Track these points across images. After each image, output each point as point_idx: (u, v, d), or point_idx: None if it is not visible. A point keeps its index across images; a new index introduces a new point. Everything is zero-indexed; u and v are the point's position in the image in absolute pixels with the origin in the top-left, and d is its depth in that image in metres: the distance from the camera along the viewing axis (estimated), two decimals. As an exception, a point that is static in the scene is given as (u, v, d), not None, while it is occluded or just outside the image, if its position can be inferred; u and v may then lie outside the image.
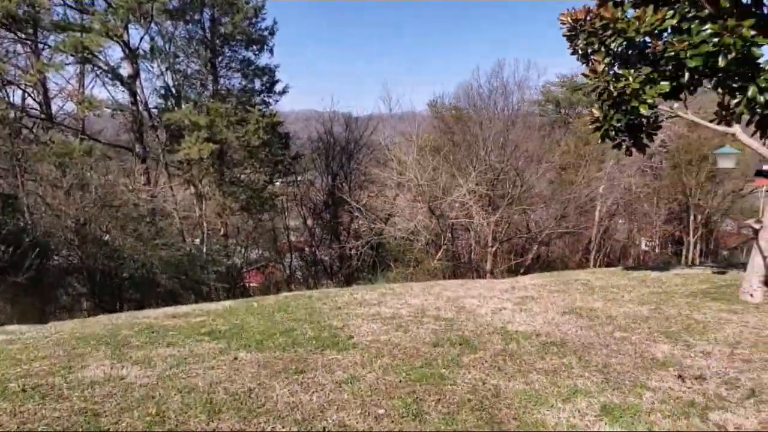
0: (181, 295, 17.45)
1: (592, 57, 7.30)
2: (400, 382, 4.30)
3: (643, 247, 36.56)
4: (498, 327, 5.83)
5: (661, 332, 5.62)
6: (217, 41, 23.46)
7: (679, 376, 4.46)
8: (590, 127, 7.58)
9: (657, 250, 34.81)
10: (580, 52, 7.52)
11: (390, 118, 32.82)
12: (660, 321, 6.04)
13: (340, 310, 6.55)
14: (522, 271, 27.11)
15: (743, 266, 9.81)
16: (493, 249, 24.23)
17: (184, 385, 4.19)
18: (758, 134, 6.89)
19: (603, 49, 7.11)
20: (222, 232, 24.29)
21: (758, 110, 6.71)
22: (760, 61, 6.38)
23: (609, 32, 6.75)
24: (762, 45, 6.03)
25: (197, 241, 22.24)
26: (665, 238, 34.91)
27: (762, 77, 6.21)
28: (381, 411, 3.80)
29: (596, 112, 7.35)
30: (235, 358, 4.81)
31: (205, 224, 22.00)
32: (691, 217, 32.15)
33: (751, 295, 6.81)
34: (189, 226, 24.62)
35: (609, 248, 32.22)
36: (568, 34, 7.58)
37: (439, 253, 22.52)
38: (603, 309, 6.64)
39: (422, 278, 21.42)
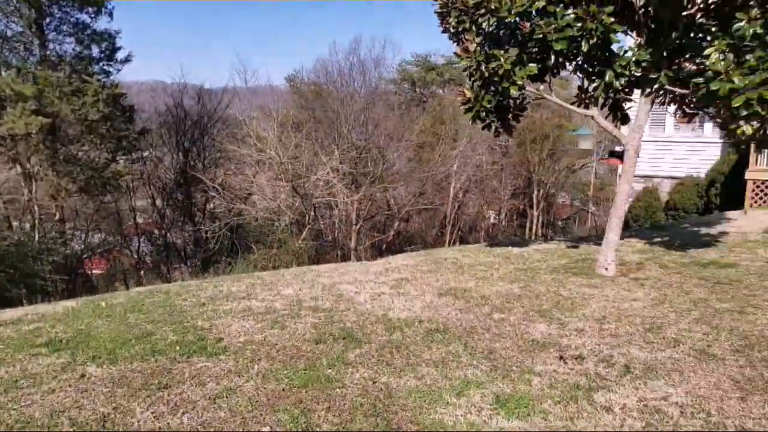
0: (9, 291, 15.11)
1: (463, 36, 7.23)
2: (284, 390, 3.84)
3: (491, 220, 39.10)
4: (379, 315, 5.57)
5: (535, 311, 5.75)
6: None
7: (561, 358, 4.53)
8: (462, 107, 7.56)
9: (504, 223, 37.46)
10: (451, 30, 7.43)
11: (246, 91, 31.28)
12: (531, 299, 6.20)
13: (205, 306, 5.86)
14: (384, 247, 27.61)
15: (592, 240, 10.65)
16: (357, 227, 24.25)
17: (16, 419, 3.36)
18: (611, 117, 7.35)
19: (474, 28, 7.07)
20: (57, 217, 21.54)
21: (612, 95, 7.13)
22: (615, 47, 6.74)
23: (482, 11, 6.69)
24: (618, 32, 6.34)
25: (27, 227, 19.46)
26: (511, 211, 37.66)
27: (617, 63, 6.56)
28: (266, 429, 3.33)
29: (468, 93, 7.33)
30: (83, 376, 4.00)
31: (36, 208, 19.29)
32: (535, 192, 34.91)
33: (606, 269, 7.29)
34: (16, 210, 21.46)
35: (463, 223, 33.94)
36: (439, 11, 7.45)
37: (304, 233, 22.01)
38: (476, 289, 6.68)
39: (286, 259, 20.79)
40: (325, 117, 27.01)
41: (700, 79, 6.05)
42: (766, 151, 12.40)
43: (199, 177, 25.27)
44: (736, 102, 5.61)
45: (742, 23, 5.64)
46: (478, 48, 6.90)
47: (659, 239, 9.72)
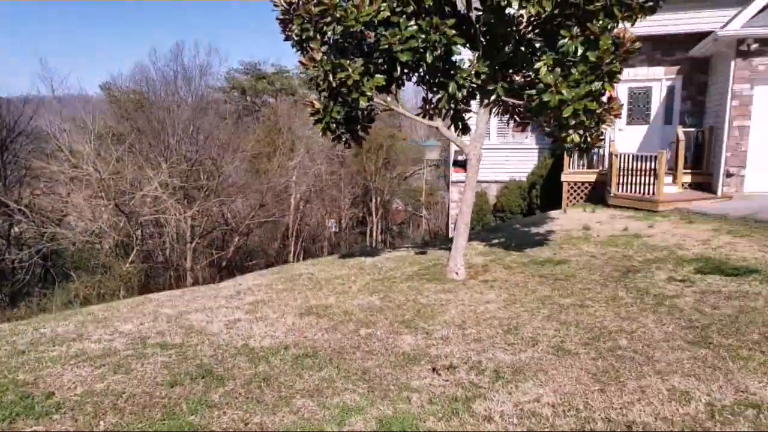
0: None
1: (307, 45, 7.00)
2: (138, 451, 3.26)
3: (333, 229, 39.31)
4: (239, 346, 5.09)
5: (399, 322, 5.70)
6: None
7: (434, 370, 4.49)
8: (311, 118, 7.32)
9: (346, 232, 37.91)
10: (295, 38, 7.15)
11: (54, 101, 27.72)
12: (393, 310, 6.15)
13: (26, 354, 4.87)
14: (224, 264, 26.23)
15: (436, 245, 11.04)
16: (192, 245, 22.72)
17: None
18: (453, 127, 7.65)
19: (319, 36, 6.88)
20: None
21: (453, 105, 7.41)
22: (456, 60, 7.01)
23: (327, 19, 6.52)
24: (459, 44, 6.59)
25: None
26: (352, 219, 38.27)
27: (459, 75, 6.82)
28: None
29: (317, 104, 7.11)
30: None
31: None
32: (373, 200, 35.83)
33: (457, 273, 7.54)
34: None
35: (306, 233, 33.66)
36: (282, 18, 7.13)
37: (131, 255, 20.03)
38: (337, 304, 6.48)
39: (112, 285, 18.74)
40: (150, 128, 24.97)
41: (533, 91, 6.51)
42: (576, 155, 14.01)
43: (1, 199, 21.77)
44: (566, 112, 6.12)
45: (565, 40, 6.17)
46: (325, 57, 6.71)
47: (497, 240, 10.40)
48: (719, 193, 11.82)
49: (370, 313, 6.07)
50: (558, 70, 6.22)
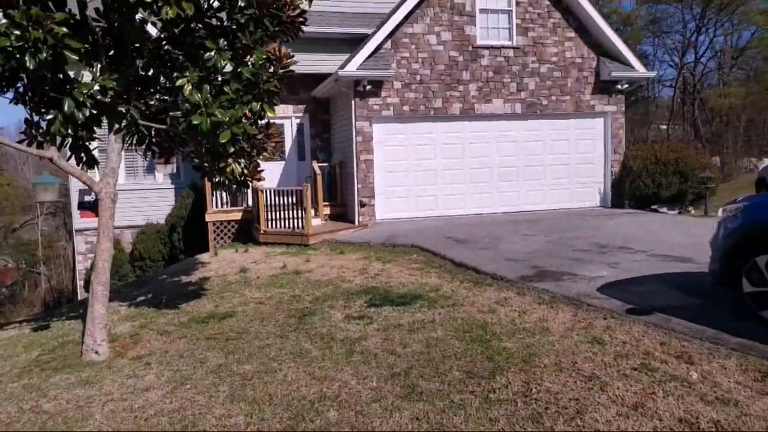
0: None
1: None
2: None
3: None
4: None
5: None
6: None
7: None
8: None
9: None
10: None
11: None
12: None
13: None
14: None
15: (65, 314, 8.49)
16: None
17: None
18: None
19: None
20: None
21: (72, 130, 5.55)
22: (73, 74, 5.23)
23: None
24: (76, 48, 4.89)
25: None
26: None
27: (78, 90, 5.07)
28: None
29: None
30: None
31: None
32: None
33: (97, 353, 5.64)
34: None
35: None
36: None
37: None
38: None
39: None
40: None
41: (179, 113, 5.30)
42: (218, 192, 13.11)
43: None
44: (223, 137, 5.11)
45: (212, 53, 5.19)
46: None
47: (144, 298, 8.59)
48: (356, 222, 12.63)
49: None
50: (207, 87, 5.17)
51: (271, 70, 5.40)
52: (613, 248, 9.20)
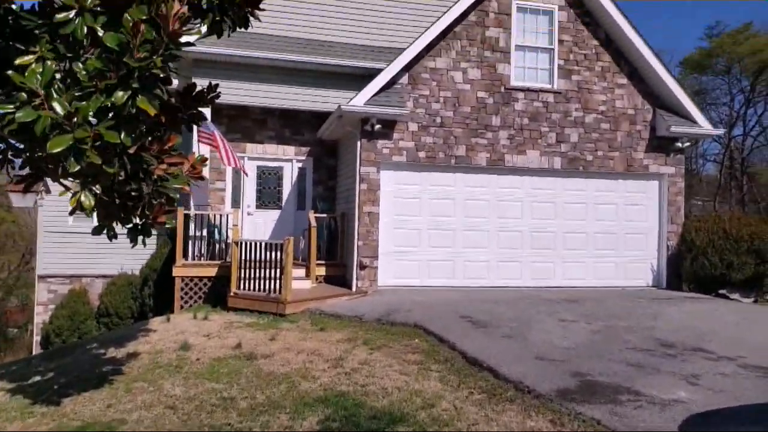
0: None
1: None
2: None
3: None
4: None
5: None
6: None
7: None
8: None
9: None
10: None
11: None
12: None
13: None
14: None
15: None
16: None
17: None
18: None
19: None
20: None
21: None
22: None
23: None
24: None
25: None
26: None
27: None
28: None
29: None
30: None
31: None
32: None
33: None
34: None
35: None
36: None
37: None
38: None
39: None
40: None
41: (10, 107, 3.21)
42: (196, 242, 11.05)
43: None
44: (57, 145, 2.97)
45: (71, 13, 3.13)
46: None
47: (39, 378, 6.40)
48: (354, 288, 10.32)
49: None
50: (51, 66, 3.09)
51: (156, 38, 3.30)
52: (685, 350, 6.68)
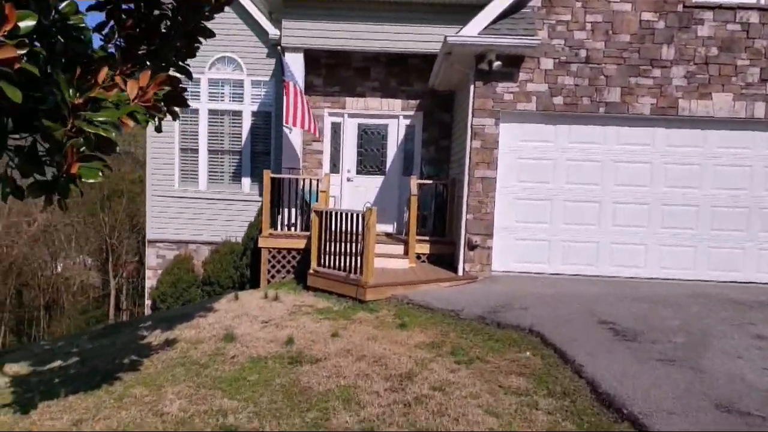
0: None
1: None
2: None
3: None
4: None
5: None
6: None
7: None
8: None
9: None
10: None
11: None
12: None
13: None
14: None
15: None
16: None
17: None
18: None
19: None
20: None
21: None
22: None
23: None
24: None
25: None
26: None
27: None
28: None
29: None
30: None
31: None
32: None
33: None
34: None
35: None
36: None
37: None
38: None
39: None
40: None
41: None
42: (284, 210, 9.69)
43: None
44: None
45: None
46: None
47: (60, 363, 5.27)
48: (460, 271, 8.19)
49: None
50: None
51: None
52: None
